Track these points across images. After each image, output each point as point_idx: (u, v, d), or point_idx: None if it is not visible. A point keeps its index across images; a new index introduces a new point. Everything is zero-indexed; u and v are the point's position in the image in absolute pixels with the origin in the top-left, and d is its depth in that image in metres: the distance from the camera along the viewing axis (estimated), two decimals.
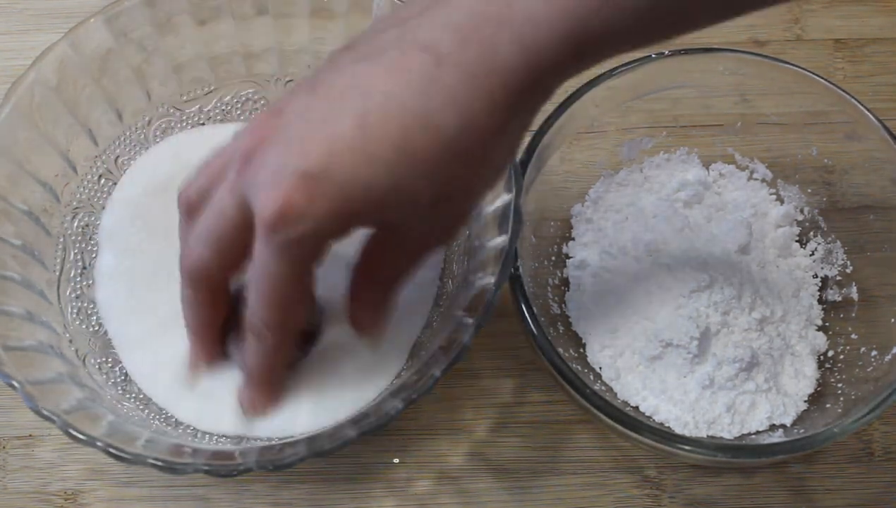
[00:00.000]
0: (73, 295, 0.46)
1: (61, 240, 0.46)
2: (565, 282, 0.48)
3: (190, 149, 0.49)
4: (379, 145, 0.32)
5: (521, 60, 0.32)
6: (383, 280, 0.39)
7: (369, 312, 0.40)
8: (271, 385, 0.41)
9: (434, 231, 0.37)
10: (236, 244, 0.35)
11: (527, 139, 0.45)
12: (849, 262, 0.48)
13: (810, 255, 0.49)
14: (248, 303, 0.37)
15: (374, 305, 0.40)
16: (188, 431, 0.43)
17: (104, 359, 0.45)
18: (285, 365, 0.41)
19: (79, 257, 0.46)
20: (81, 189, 0.47)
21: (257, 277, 0.35)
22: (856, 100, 0.46)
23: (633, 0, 0.31)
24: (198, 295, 0.39)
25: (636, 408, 0.45)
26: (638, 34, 0.33)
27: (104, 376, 0.44)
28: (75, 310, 0.45)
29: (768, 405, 0.44)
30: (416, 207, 0.34)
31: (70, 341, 0.44)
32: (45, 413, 0.37)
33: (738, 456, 0.41)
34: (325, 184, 0.32)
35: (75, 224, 0.47)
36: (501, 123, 0.33)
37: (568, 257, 0.49)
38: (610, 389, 0.45)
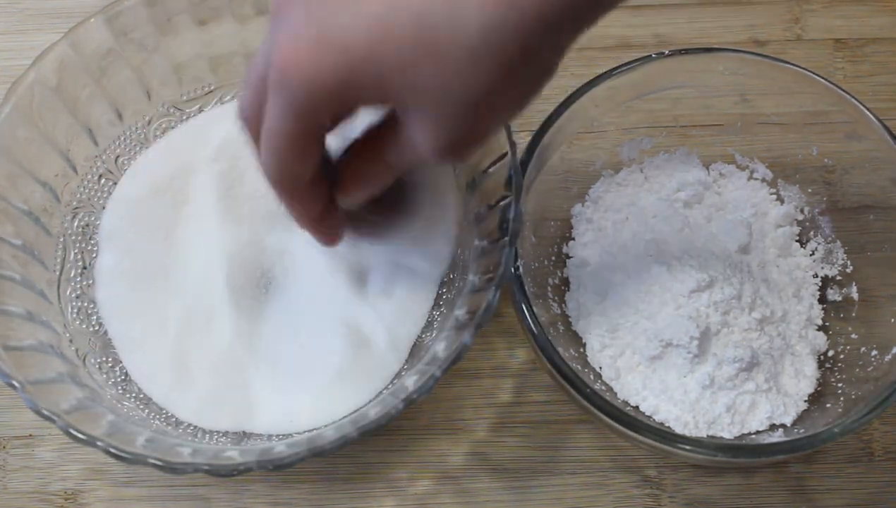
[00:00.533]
0: (74, 295, 0.46)
1: (61, 239, 0.46)
2: (565, 282, 0.48)
3: (190, 148, 0.49)
4: (398, 23, 0.31)
5: None
6: (379, 161, 0.38)
7: (358, 182, 0.39)
8: (318, 223, 0.41)
9: (439, 133, 0.34)
10: (263, 89, 0.35)
11: (526, 139, 0.45)
12: (849, 262, 0.48)
13: (810, 255, 0.49)
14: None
15: (366, 177, 0.39)
16: (188, 431, 0.43)
17: (104, 359, 0.45)
18: (319, 208, 0.40)
19: (79, 257, 0.47)
20: (81, 189, 0.47)
21: (263, 131, 0.36)
22: (856, 100, 0.46)
23: None
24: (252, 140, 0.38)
25: (636, 408, 0.45)
26: None
27: (104, 376, 0.44)
28: (75, 310, 0.45)
29: (768, 405, 0.44)
30: (423, 96, 0.33)
31: (70, 341, 0.44)
32: (45, 412, 0.37)
33: (738, 456, 0.41)
34: (333, 50, 0.32)
35: (75, 224, 0.47)
36: (531, 39, 0.31)
37: (568, 257, 0.49)
38: (610, 389, 0.45)
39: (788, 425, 0.44)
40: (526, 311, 0.42)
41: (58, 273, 0.45)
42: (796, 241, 0.49)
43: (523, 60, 0.32)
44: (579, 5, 0.32)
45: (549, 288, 0.48)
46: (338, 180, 0.39)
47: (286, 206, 0.39)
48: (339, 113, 0.35)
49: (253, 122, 0.37)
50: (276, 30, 0.33)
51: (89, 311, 0.46)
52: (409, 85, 0.32)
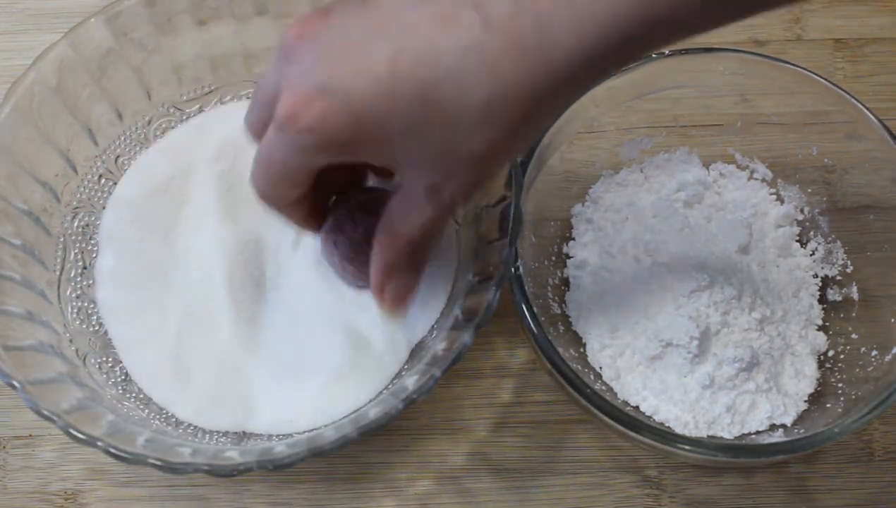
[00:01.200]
0: (74, 295, 0.46)
1: (61, 239, 0.46)
2: (565, 282, 0.48)
3: (190, 148, 0.49)
4: (404, 87, 0.31)
5: (574, 42, 0.31)
6: (398, 237, 0.38)
7: (390, 275, 0.39)
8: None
9: (444, 186, 0.35)
10: (268, 111, 0.36)
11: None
12: (849, 262, 0.48)
13: (810, 255, 0.49)
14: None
15: (392, 267, 0.39)
16: (188, 431, 0.43)
17: (104, 359, 0.45)
18: (306, 218, 0.41)
19: (79, 257, 0.46)
20: (81, 189, 0.47)
21: (257, 151, 0.37)
22: (856, 99, 0.46)
23: None
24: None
25: (636, 408, 0.45)
26: (701, 19, 0.32)
27: (104, 376, 0.44)
28: (75, 310, 0.45)
29: (768, 405, 0.44)
30: (427, 153, 0.33)
31: (70, 341, 0.44)
32: (46, 412, 0.37)
33: (738, 456, 0.41)
34: (340, 106, 0.32)
35: (75, 224, 0.47)
36: (536, 104, 0.32)
37: (568, 257, 0.49)
38: (610, 389, 0.45)
39: (788, 425, 0.44)
40: (526, 311, 0.42)
41: (58, 273, 0.45)
42: (796, 241, 0.49)
43: (527, 123, 0.33)
44: (579, 78, 0.32)
45: (549, 288, 0.48)
46: (376, 296, 0.40)
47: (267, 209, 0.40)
48: (339, 161, 0.35)
49: (257, 134, 0.38)
50: (287, 69, 0.34)
51: (89, 311, 0.46)
52: (413, 147, 0.33)
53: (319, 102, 0.32)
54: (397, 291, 0.39)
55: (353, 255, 0.41)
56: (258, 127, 0.38)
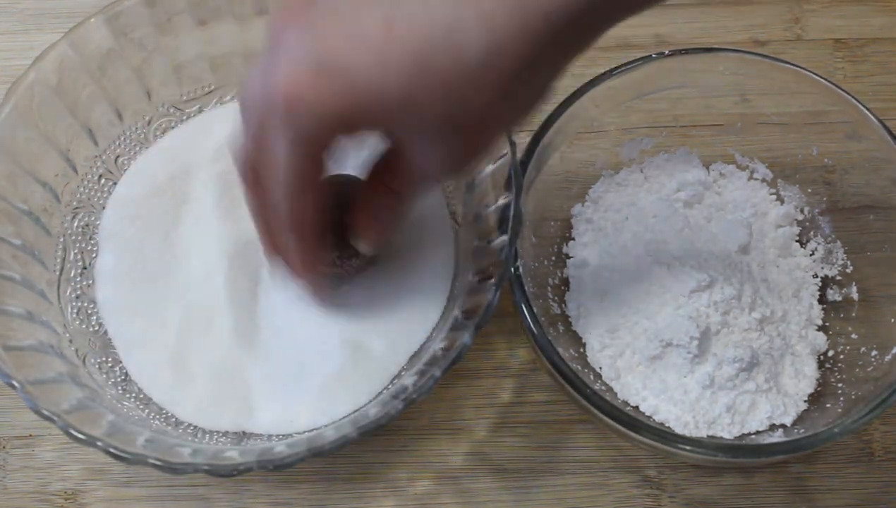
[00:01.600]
0: (74, 295, 0.46)
1: (61, 239, 0.46)
2: (565, 282, 0.48)
3: (190, 148, 0.49)
4: (399, 53, 0.31)
5: None
6: (389, 193, 0.38)
7: (371, 219, 0.40)
8: (313, 280, 0.42)
9: (442, 157, 0.35)
10: (260, 140, 0.35)
11: (526, 139, 0.45)
12: (849, 262, 0.48)
13: (810, 255, 0.49)
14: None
15: (378, 213, 0.39)
16: (188, 431, 0.43)
17: (104, 359, 0.45)
18: (322, 259, 0.41)
19: (79, 257, 0.46)
20: (81, 189, 0.47)
21: (267, 165, 0.35)
22: (856, 100, 0.46)
23: None
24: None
25: (636, 408, 0.45)
26: None
27: (104, 376, 0.44)
28: (75, 310, 0.45)
29: (768, 405, 0.44)
30: (425, 124, 0.33)
31: (70, 341, 0.44)
32: (46, 412, 0.37)
33: (738, 456, 0.41)
34: (335, 78, 0.31)
35: (75, 224, 0.47)
36: (533, 57, 0.31)
37: (568, 257, 0.49)
38: (610, 389, 0.45)
39: (788, 425, 0.44)
40: (526, 311, 0.42)
41: (58, 273, 0.45)
42: (796, 241, 0.49)
43: (521, 82, 0.32)
44: (576, 31, 0.32)
45: (549, 288, 0.48)
46: (352, 226, 0.40)
47: (290, 252, 0.39)
48: (342, 137, 0.34)
49: (250, 169, 0.37)
50: (275, 60, 0.33)
51: (89, 311, 0.46)
52: (412, 113, 0.32)
53: (313, 79, 0.31)
54: (378, 235, 0.40)
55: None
56: (251, 156, 0.36)
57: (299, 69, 0.32)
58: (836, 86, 0.46)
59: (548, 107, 0.45)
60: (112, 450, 0.37)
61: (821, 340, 0.47)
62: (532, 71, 0.32)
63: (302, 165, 0.35)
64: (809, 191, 0.49)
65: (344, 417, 0.43)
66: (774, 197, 0.50)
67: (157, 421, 0.43)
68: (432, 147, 0.34)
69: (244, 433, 0.43)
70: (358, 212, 0.40)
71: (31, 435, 0.47)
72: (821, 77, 0.46)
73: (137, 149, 0.49)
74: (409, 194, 0.38)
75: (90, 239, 0.47)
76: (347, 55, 0.31)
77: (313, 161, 0.35)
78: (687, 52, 0.47)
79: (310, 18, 0.32)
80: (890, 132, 0.45)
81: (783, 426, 0.44)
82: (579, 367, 0.44)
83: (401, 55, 0.31)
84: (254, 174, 0.38)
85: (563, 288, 0.48)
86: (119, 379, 0.44)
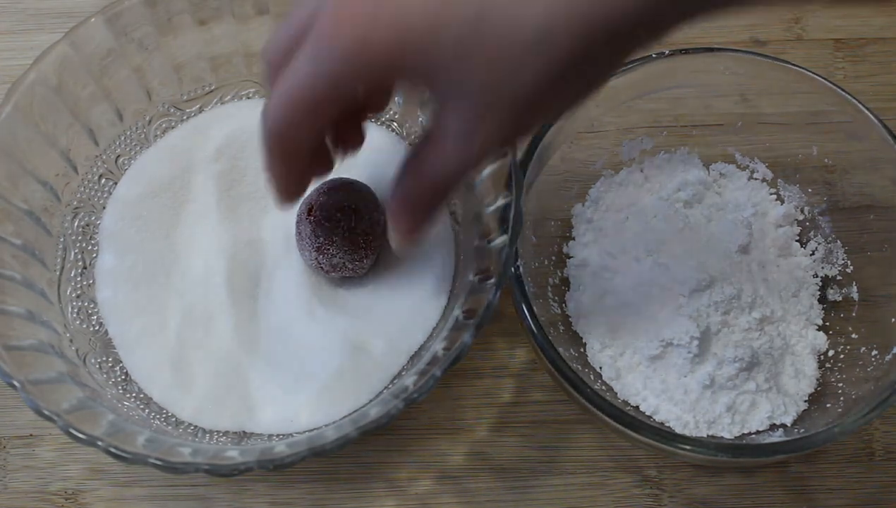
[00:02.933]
0: (74, 295, 0.46)
1: (62, 239, 0.46)
2: (565, 282, 0.48)
3: (190, 148, 0.49)
4: (458, 13, 0.30)
5: None
6: (422, 177, 0.35)
7: (405, 211, 0.36)
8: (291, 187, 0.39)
9: (485, 130, 0.33)
10: (298, 41, 0.33)
11: (527, 139, 0.45)
12: (849, 262, 0.48)
13: (810, 255, 0.49)
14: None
15: (410, 205, 0.36)
16: (188, 430, 0.43)
17: (105, 359, 0.45)
18: (300, 179, 0.38)
19: (79, 257, 0.47)
20: (82, 188, 0.47)
21: (284, 75, 0.33)
22: (856, 99, 0.46)
23: None
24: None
25: (636, 408, 0.45)
26: None
27: (104, 375, 0.44)
28: (76, 310, 0.45)
29: (769, 404, 0.44)
30: (472, 89, 0.32)
31: (70, 340, 0.44)
32: (46, 412, 0.37)
33: (739, 456, 0.41)
34: (388, 19, 0.30)
35: (76, 223, 0.47)
36: (585, 55, 0.31)
37: (568, 257, 0.49)
38: (610, 389, 0.45)
39: (788, 425, 0.44)
40: (526, 311, 0.42)
41: (58, 273, 0.45)
42: (796, 241, 0.49)
43: (576, 67, 0.31)
44: (633, 36, 0.31)
45: (549, 288, 0.48)
46: (389, 219, 0.37)
47: (268, 162, 0.36)
48: (373, 88, 0.33)
49: (277, 67, 0.34)
50: None
51: (89, 311, 0.46)
52: (458, 75, 0.31)
53: (366, 14, 0.30)
54: (410, 226, 0.37)
55: (317, 255, 0.43)
56: (280, 57, 0.34)
57: (354, 2, 0.31)
58: (837, 86, 0.46)
59: None
60: (112, 450, 0.37)
61: (821, 340, 0.47)
62: (583, 65, 0.32)
63: (320, 96, 0.33)
64: (810, 190, 0.49)
65: (344, 417, 0.43)
66: (775, 197, 0.50)
67: (157, 421, 0.43)
68: (476, 117, 0.33)
69: (244, 432, 0.43)
70: (391, 202, 0.37)
71: (31, 435, 0.47)
72: (821, 77, 0.46)
73: (138, 148, 0.49)
74: (441, 178, 0.35)
75: (90, 238, 0.47)
76: (404, 2, 0.30)
77: (334, 98, 0.33)
78: (687, 51, 0.47)
79: None
80: (890, 132, 0.45)
81: (783, 426, 0.44)
82: (579, 367, 0.44)
83: (462, 7, 0.30)
84: (275, 69, 0.34)
85: (563, 288, 0.48)
86: (119, 379, 0.44)
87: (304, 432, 0.43)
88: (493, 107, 0.32)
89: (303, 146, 0.35)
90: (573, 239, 0.49)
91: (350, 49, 0.31)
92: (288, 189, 0.38)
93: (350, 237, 0.43)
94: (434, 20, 0.30)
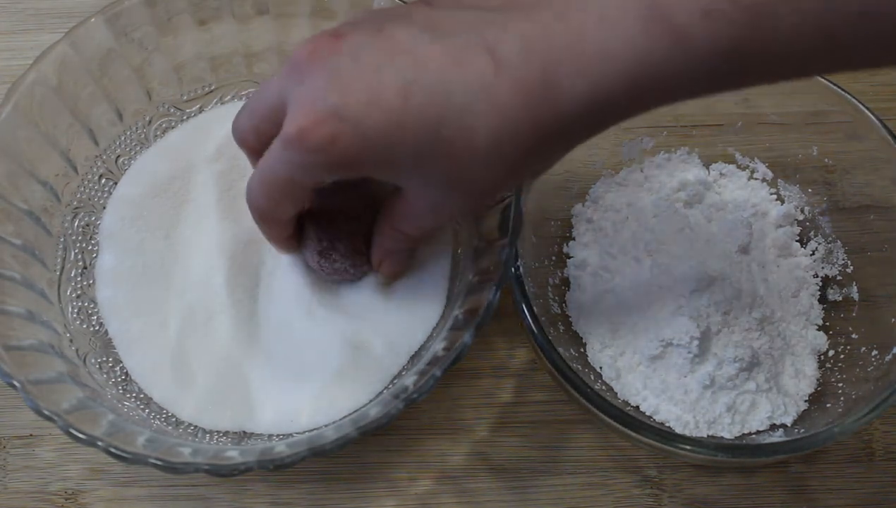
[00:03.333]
0: (74, 295, 0.46)
1: (62, 239, 0.46)
2: (565, 282, 0.48)
3: (190, 148, 0.49)
4: (414, 121, 0.32)
5: (584, 93, 0.31)
6: (398, 232, 0.40)
7: (387, 256, 0.43)
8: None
9: (447, 208, 0.37)
10: (267, 121, 0.37)
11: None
12: (849, 262, 0.48)
13: (811, 255, 0.49)
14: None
15: (391, 252, 0.42)
16: (188, 431, 0.43)
17: (105, 359, 0.45)
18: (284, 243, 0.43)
19: (79, 257, 0.47)
20: (82, 188, 0.47)
21: (259, 166, 0.37)
22: (856, 99, 0.46)
23: (707, 48, 0.30)
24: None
25: (636, 408, 0.45)
26: (706, 83, 0.32)
27: (105, 375, 0.44)
28: (76, 310, 0.45)
29: (769, 404, 0.44)
30: (432, 182, 0.35)
31: (71, 340, 0.44)
32: (46, 412, 0.37)
33: (739, 456, 0.41)
34: (351, 131, 0.33)
35: (76, 223, 0.47)
36: (541, 146, 0.33)
37: (568, 257, 0.49)
38: (610, 389, 0.45)
39: (788, 425, 0.44)
40: (526, 311, 0.42)
41: (58, 273, 0.45)
42: (796, 241, 0.49)
43: (531, 161, 0.34)
44: (586, 126, 0.33)
45: (549, 288, 0.48)
46: (373, 262, 0.43)
47: (258, 226, 0.41)
48: (343, 177, 0.36)
49: (252, 146, 0.39)
50: (296, 87, 0.34)
51: (90, 311, 0.46)
52: (420, 172, 0.35)
53: (330, 125, 0.33)
54: (393, 268, 0.44)
55: (319, 259, 0.43)
56: (250, 135, 0.39)
57: (317, 110, 0.33)
58: (837, 86, 0.46)
59: None
60: (112, 450, 0.37)
61: (821, 340, 0.47)
62: (539, 155, 0.34)
63: (292, 185, 0.37)
64: (810, 190, 0.50)
65: (344, 417, 0.43)
66: (775, 196, 0.50)
67: (157, 421, 0.43)
68: (437, 200, 0.36)
69: (244, 432, 0.43)
70: (374, 249, 0.43)
71: (31, 435, 0.47)
72: (821, 77, 0.46)
73: (138, 148, 0.49)
74: (415, 235, 0.40)
75: (90, 238, 0.47)
76: (365, 111, 0.33)
77: (305, 186, 0.37)
78: None
79: (335, 62, 0.33)
80: (890, 132, 0.45)
81: (783, 426, 0.44)
82: (579, 367, 0.44)
83: (415, 123, 0.32)
84: (251, 150, 0.40)
85: (563, 287, 0.48)
86: (119, 379, 0.44)
87: (304, 432, 0.43)
88: (456, 191, 0.36)
89: (284, 217, 0.40)
90: (573, 239, 0.49)
91: (314, 155, 0.34)
92: (279, 245, 0.43)
93: (353, 243, 0.43)
94: (391, 139, 0.33)
